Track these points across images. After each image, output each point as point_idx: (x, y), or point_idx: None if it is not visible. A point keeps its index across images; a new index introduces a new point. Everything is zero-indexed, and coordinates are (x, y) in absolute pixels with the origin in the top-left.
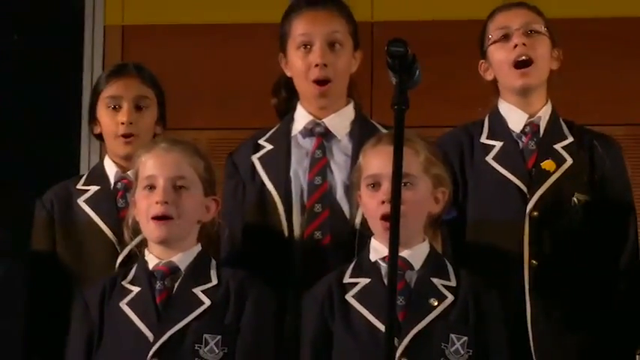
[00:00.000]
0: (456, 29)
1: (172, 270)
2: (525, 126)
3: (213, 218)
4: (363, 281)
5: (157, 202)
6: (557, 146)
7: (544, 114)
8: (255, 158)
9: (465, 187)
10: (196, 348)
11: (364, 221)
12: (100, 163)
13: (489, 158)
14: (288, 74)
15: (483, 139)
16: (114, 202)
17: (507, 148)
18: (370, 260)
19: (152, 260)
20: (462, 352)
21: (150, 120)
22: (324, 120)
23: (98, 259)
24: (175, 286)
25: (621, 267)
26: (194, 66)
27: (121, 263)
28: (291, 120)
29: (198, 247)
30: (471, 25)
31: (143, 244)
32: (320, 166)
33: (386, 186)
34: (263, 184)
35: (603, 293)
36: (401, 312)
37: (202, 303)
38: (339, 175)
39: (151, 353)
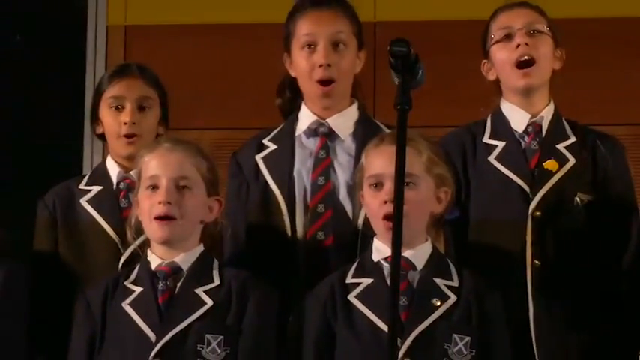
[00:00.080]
0: (458, 29)
1: (175, 270)
2: (528, 126)
3: (216, 218)
4: (366, 281)
5: (159, 203)
6: (560, 146)
7: (546, 114)
8: (258, 158)
9: (468, 187)
10: (198, 348)
11: (367, 221)
12: (102, 163)
13: (492, 158)
14: (293, 74)
15: (486, 139)
16: (116, 202)
17: (510, 148)
18: (373, 260)
19: (154, 260)
20: (465, 352)
21: (152, 120)
22: (327, 120)
23: (101, 259)
24: (178, 287)
25: (624, 267)
26: (197, 66)
27: (123, 263)
28: (295, 120)
29: (200, 248)
30: (473, 25)
31: (146, 244)
32: (323, 166)
33: (388, 186)
34: (266, 184)
35: (606, 293)
36: (403, 312)
37: (204, 303)
38: (342, 176)
39: (153, 353)
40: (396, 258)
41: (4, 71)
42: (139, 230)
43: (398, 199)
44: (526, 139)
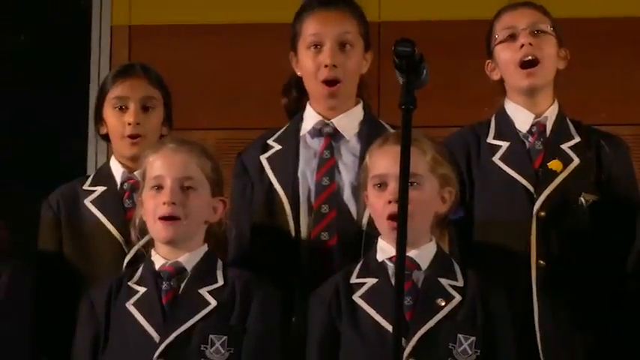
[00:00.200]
0: (463, 29)
1: (179, 270)
2: (532, 126)
3: (220, 219)
4: (370, 281)
5: (164, 203)
6: (564, 146)
7: (551, 114)
8: (263, 158)
9: (472, 187)
10: (202, 348)
11: (371, 221)
12: (106, 163)
13: (496, 158)
14: (299, 73)
15: (490, 140)
16: (120, 202)
17: (514, 149)
18: (377, 260)
19: (158, 260)
20: (470, 352)
21: (156, 120)
22: (332, 120)
23: (105, 260)
24: (181, 287)
25: (629, 267)
26: (201, 66)
27: (127, 263)
28: (300, 120)
29: (204, 248)
30: (478, 25)
31: (150, 244)
32: (328, 166)
33: (392, 186)
34: (271, 184)
35: (611, 293)
36: (408, 312)
37: (208, 303)
38: (346, 176)
39: (156, 354)
40: (400, 258)
41: (8, 71)
42: (143, 230)
43: (402, 199)
44: (530, 139)
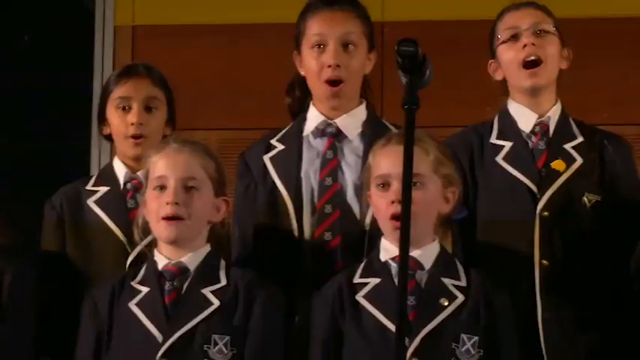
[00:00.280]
0: (466, 29)
1: (181, 270)
2: (535, 126)
3: (223, 219)
4: (374, 281)
5: (167, 203)
6: (567, 146)
7: (553, 114)
8: (266, 158)
9: (475, 187)
10: (205, 348)
11: (374, 221)
12: (109, 164)
13: (499, 158)
14: (302, 73)
15: (493, 140)
16: (124, 202)
17: (517, 149)
18: (380, 260)
19: (161, 260)
20: (473, 352)
21: (159, 121)
22: (335, 120)
23: (108, 260)
24: (184, 287)
25: (632, 267)
26: (204, 66)
27: (131, 263)
28: (304, 120)
29: (207, 248)
30: (481, 24)
31: (152, 244)
32: (331, 166)
33: (396, 186)
34: (274, 184)
35: (614, 293)
36: (411, 312)
37: (211, 304)
38: (349, 176)
39: (160, 354)
40: (403, 258)
41: (12, 71)
42: (146, 230)
43: (405, 199)
44: (533, 139)
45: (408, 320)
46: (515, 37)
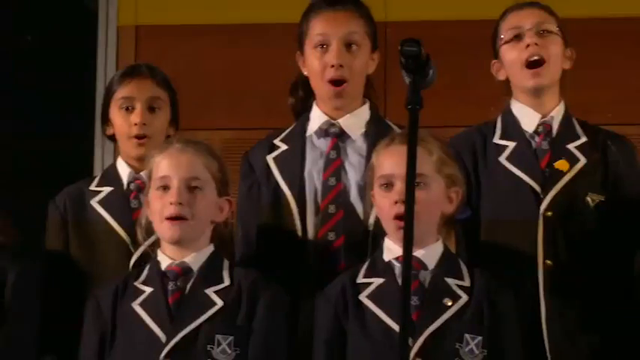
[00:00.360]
0: (469, 29)
1: (185, 270)
2: (538, 126)
3: (226, 218)
4: (377, 281)
5: (171, 203)
6: (571, 146)
7: (557, 114)
8: (270, 158)
9: (478, 187)
10: (209, 349)
11: (378, 221)
12: (112, 164)
13: (502, 158)
14: (305, 73)
15: (496, 140)
16: (127, 202)
17: (520, 149)
18: (384, 260)
19: (165, 260)
20: (477, 352)
21: (163, 121)
22: (339, 120)
23: (111, 260)
24: (188, 287)
25: (636, 266)
26: (207, 66)
27: (134, 263)
28: (307, 120)
29: (210, 248)
30: (484, 24)
31: (155, 244)
32: (334, 166)
33: (399, 186)
34: (277, 184)
35: (618, 293)
36: (415, 312)
37: (215, 304)
38: (353, 176)
39: (163, 354)
40: (407, 258)
41: (15, 72)
42: (149, 230)
43: (409, 199)
44: (536, 139)
45: (412, 320)
46: (518, 37)
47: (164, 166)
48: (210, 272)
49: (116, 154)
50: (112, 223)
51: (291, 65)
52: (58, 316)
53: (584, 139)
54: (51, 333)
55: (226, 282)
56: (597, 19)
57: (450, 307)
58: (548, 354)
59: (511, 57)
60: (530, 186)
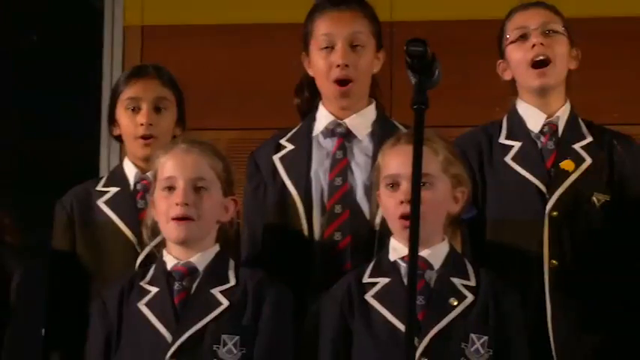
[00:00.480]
0: (475, 29)
1: (191, 270)
2: (544, 126)
3: (231, 218)
4: (383, 281)
5: (177, 204)
6: (576, 146)
7: (562, 114)
8: (276, 158)
9: (484, 187)
10: (214, 348)
11: (384, 221)
12: (119, 164)
13: (508, 159)
14: (311, 74)
15: (502, 140)
16: (133, 203)
17: (526, 149)
18: (389, 260)
19: (170, 261)
20: (482, 351)
21: (169, 121)
22: (345, 120)
23: (118, 260)
24: (193, 287)
25: None
26: (213, 66)
27: (140, 264)
28: (313, 120)
29: (216, 248)
30: (490, 24)
31: (161, 244)
32: (341, 166)
33: (405, 186)
34: (283, 184)
35: (624, 293)
36: (421, 312)
37: (220, 304)
38: (359, 176)
39: (169, 354)
40: (413, 257)
41: (21, 72)
42: (155, 231)
43: (414, 199)
44: (542, 139)
45: (417, 320)
46: (523, 37)
47: (169, 166)
48: (215, 272)
49: (122, 154)
50: (118, 223)
51: (297, 65)
52: (64, 315)
53: (589, 139)
54: (57, 333)
55: (232, 282)
56: (603, 19)
57: (455, 306)
58: (553, 353)
59: (517, 57)
60: (536, 186)
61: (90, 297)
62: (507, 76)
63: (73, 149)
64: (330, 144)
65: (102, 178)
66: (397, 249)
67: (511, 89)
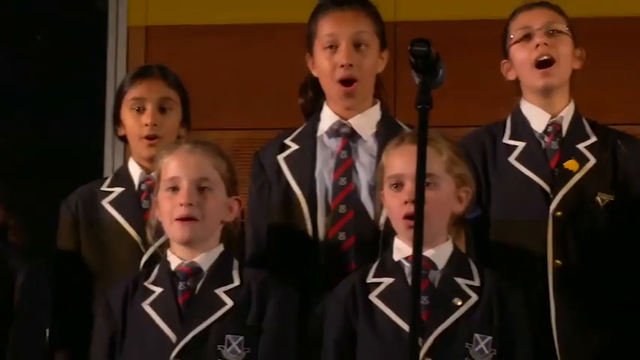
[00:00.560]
0: (479, 29)
1: (195, 271)
2: (548, 126)
3: (235, 218)
4: (387, 281)
5: (181, 204)
6: (580, 146)
7: (566, 114)
8: (280, 158)
9: (488, 187)
10: (219, 349)
11: (388, 221)
12: (124, 165)
13: (512, 159)
14: (315, 74)
15: (506, 140)
16: (138, 203)
17: (530, 149)
18: (394, 260)
19: (174, 261)
20: (487, 351)
21: (174, 122)
22: (349, 120)
23: (122, 260)
24: (198, 287)
25: None
26: (218, 66)
27: (144, 264)
28: (317, 120)
29: (220, 248)
30: (494, 24)
31: (165, 244)
32: (345, 166)
33: (409, 186)
34: (288, 184)
35: (628, 293)
36: (425, 312)
37: (224, 304)
38: (364, 176)
39: (173, 354)
40: (417, 257)
41: (25, 72)
42: (159, 231)
43: (418, 199)
44: (546, 139)
45: (421, 320)
46: (527, 37)
47: (173, 167)
48: (220, 272)
49: (126, 154)
50: (123, 223)
51: (302, 65)
52: (69, 315)
53: (593, 139)
54: (61, 333)
55: (236, 282)
56: (607, 19)
57: (459, 306)
58: (557, 353)
59: (521, 57)
60: (540, 186)
61: (94, 297)
62: (511, 76)
63: (78, 149)
64: (334, 144)
65: (107, 178)
66: (401, 249)
67: (515, 89)
